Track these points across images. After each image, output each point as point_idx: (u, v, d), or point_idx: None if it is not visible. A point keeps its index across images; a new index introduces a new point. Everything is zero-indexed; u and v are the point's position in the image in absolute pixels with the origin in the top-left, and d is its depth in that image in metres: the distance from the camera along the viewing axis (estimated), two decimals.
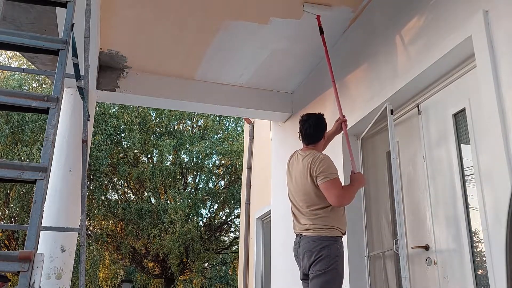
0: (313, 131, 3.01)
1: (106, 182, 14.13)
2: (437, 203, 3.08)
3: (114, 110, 13.79)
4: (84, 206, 2.34)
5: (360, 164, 4.05)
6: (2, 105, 1.64)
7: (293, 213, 2.99)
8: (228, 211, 15.78)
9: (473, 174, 2.79)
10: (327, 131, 3.14)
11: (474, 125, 2.80)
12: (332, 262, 2.70)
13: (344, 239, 3.79)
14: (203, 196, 14.62)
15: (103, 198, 13.64)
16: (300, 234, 2.87)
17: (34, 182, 1.52)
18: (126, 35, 4.40)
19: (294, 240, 2.95)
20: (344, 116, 3.37)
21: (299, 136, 3.13)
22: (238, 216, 14.87)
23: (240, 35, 4.33)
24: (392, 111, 3.32)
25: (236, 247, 15.53)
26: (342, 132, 3.40)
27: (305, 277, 2.87)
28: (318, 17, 4.00)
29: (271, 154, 5.99)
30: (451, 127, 3.03)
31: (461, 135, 2.97)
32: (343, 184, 2.94)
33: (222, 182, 15.73)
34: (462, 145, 2.96)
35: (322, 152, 3.03)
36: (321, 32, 3.94)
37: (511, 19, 2.38)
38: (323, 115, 3.12)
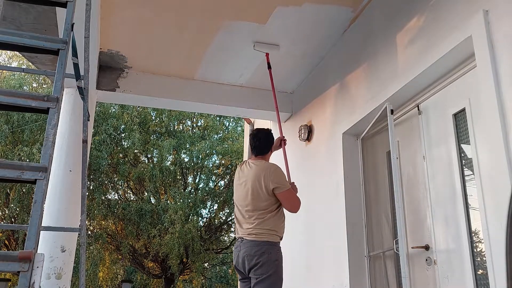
0: (261, 144, 3.33)
1: (106, 182, 14.12)
2: (437, 203, 3.08)
3: (114, 110, 13.78)
4: (84, 206, 2.34)
5: (360, 164, 4.05)
6: (2, 105, 1.64)
7: (236, 217, 3.24)
8: (228, 211, 15.77)
9: (473, 174, 2.79)
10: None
11: (474, 125, 2.80)
12: (272, 266, 2.96)
13: (344, 239, 3.82)
14: (203, 196, 14.61)
15: (103, 198, 13.63)
16: (242, 238, 3.10)
17: (34, 182, 1.52)
18: (126, 35, 4.40)
19: (236, 243, 3.18)
20: (284, 137, 3.88)
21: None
22: None
23: (240, 35, 4.33)
24: (392, 111, 3.32)
25: None
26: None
27: (244, 279, 3.12)
28: (267, 55, 4.49)
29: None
30: (451, 127, 3.03)
31: (461, 135, 2.97)
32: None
33: (222, 182, 15.72)
34: (462, 145, 2.96)
35: (272, 163, 3.34)
36: (269, 67, 4.46)
37: (511, 19, 2.38)
38: (270, 130, 3.48)
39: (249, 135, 3.41)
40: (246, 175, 3.23)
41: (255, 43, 4.38)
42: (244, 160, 3.46)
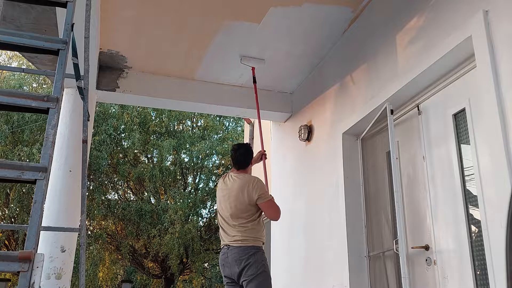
0: (242, 158, 3.60)
1: (106, 182, 14.12)
2: (437, 203, 3.08)
3: (114, 110, 13.78)
4: (84, 206, 2.34)
5: (360, 164, 4.05)
6: (2, 105, 1.64)
7: (221, 226, 3.50)
8: None
9: (473, 174, 2.79)
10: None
11: (474, 125, 2.80)
12: (260, 266, 3.25)
13: (344, 239, 3.83)
14: (203, 196, 14.61)
15: (103, 198, 13.63)
16: (228, 245, 3.36)
17: (34, 182, 1.52)
18: (126, 35, 4.40)
19: (222, 250, 3.44)
20: (264, 151, 4.11)
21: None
22: None
23: (240, 35, 4.33)
24: (392, 111, 3.32)
25: None
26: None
27: (231, 282, 3.36)
28: (253, 69, 4.69)
29: (271, 154, 5.99)
30: (451, 127, 3.03)
31: (461, 135, 2.97)
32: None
33: None
34: (462, 145, 2.96)
35: (254, 175, 3.61)
36: (254, 81, 4.68)
37: (511, 19, 2.38)
38: (249, 144, 3.85)
39: (231, 150, 3.70)
40: (230, 187, 3.48)
41: (242, 57, 4.59)
42: (225, 173, 3.77)
